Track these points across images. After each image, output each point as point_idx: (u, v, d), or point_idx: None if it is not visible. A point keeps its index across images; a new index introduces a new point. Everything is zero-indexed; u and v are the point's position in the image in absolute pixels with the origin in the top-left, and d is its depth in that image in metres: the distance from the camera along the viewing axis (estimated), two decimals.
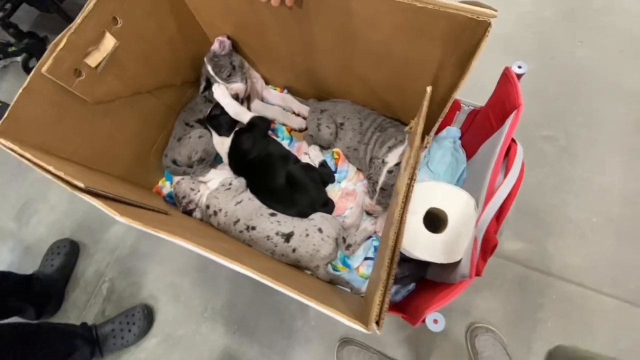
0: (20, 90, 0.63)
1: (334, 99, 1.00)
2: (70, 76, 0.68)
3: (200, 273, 1.22)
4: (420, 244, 0.56)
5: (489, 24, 0.52)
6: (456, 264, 0.54)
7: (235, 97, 0.95)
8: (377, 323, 0.40)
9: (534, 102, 1.26)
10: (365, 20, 0.64)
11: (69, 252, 1.30)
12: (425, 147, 0.46)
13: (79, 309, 1.26)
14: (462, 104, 0.78)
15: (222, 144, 0.96)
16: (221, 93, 0.94)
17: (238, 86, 0.95)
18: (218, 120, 0.95)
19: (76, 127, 0.74)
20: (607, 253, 1.11)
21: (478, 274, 0.47)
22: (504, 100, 0.60)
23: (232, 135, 0.96)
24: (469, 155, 0.79)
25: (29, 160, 0.57)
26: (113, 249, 1.32)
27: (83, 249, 1.34)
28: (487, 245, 0.47)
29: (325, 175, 0.95)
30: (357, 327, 0.40)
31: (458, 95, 0.57)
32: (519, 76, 0.58)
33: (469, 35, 0.55)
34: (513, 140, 0.52)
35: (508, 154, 0.52)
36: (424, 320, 0.45)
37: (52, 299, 1.25)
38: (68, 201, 1.39)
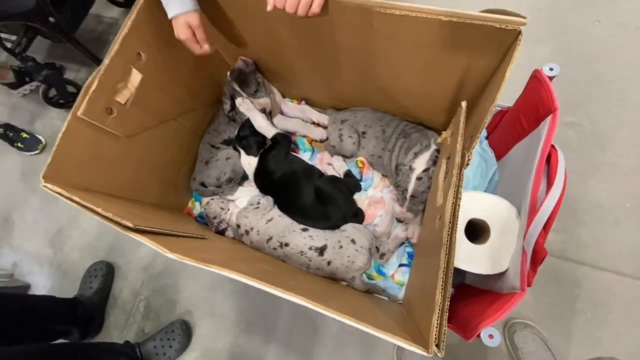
0: (60, 135, 0.65)
1: (353, 108, 1.00)
2: (104, 115, 0.71)
3: (232, 285, 1.25)
4: (464, 256, 0.57)
5: (519, 32, 0.51)
6: (502, 273, 0.55)
7: (263, 111, 0.97)
8: (437, 346, 0.40)
9: (560, 82, 1.23)
10: (387, 37, 0.63)
11: (106, 273, 1.35)
12: (467, 164, 0.46)
13: (120, 328, 1.30)
14: (493, 107, 0.77)
15: (249, 164, 0.98)
16: (247, 107, 0.95)
17: (265, 100, 0.98)
18: (248, 140, 0.96)
19: (111, 161, 0.77)
20: (626, 238, 1.09)
21: (529, 285, 0.48)
22: (536, 103, 0.59)
23: (258, 157, 0.97)
24: (497, 156, 0.79)
25: (77, 203, 0.60)
26: (146, 267, 1.35)
27: (117, 269, 1.38)
28: (537, 257, 0.47)
29: (352, 185, 0.96)
30: (418, 351, 0.41)
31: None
32: (550, 78, 0.57)
33: (498, 43, 0.55)
34: (552, 147, 0.52)
35: (549, 160, 0.51)
36: (478, 335, 0.46)
37: (94, 320, 1.29)
38: (98, 225, 1.43)
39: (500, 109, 0.76)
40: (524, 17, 0.51)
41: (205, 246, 0.72)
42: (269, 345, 1.16)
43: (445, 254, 0.43)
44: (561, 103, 1.23)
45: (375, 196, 0.96)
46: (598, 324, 1.02)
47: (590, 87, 1.25)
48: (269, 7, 0.61)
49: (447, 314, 0.40)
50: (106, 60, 0.68)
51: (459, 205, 0.44)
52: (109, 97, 0.71)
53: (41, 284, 1.43)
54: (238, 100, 0.96)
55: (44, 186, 0.62)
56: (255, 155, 0.96)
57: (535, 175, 0.51)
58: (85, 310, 1.25)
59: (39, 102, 1.62)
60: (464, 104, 0.51)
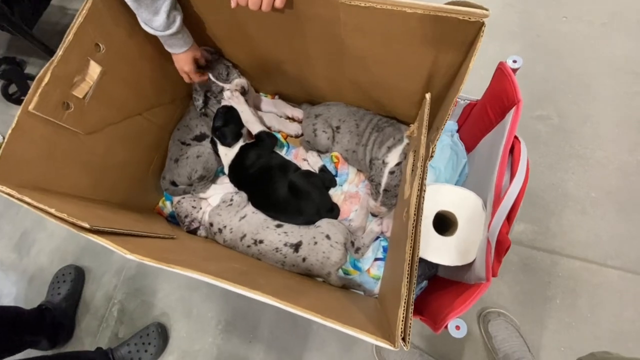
0: (10, 131, 0.61)
1: (327, 102, 0.99)
2: (59, 110, 0.67)
3: (209, 285, 1.22)
4: (433, 248, 0.57)
5: (482, 24, 0.51)
6: (470, 264, 0.55)
7: (242, 91, 0.93)
8: (404, 339, 0.40)
9: (522, 83, 1.23)
10: (354, 30, 0.62)
11: (75, 278, 1.29)
12: (431, 156, 0.46)
13: (92, 334, 1.25)
14: (457, 98, 0.77)
15: (225, 155, 0.95)
16: (237, 100, 0.93)
17: (241, 80, 0.95)
18: (221, 131, 0.93)
19: (70, 160, 0.73)
20: (608, 226, 1.13)
21: (494, 275, 0.48)
22: (502, 95, 0.59)
23: (237, 149, 0.94)
24: (468, 149, 0.80)
25: (29, 204, 0.56)
26: (119, 270, 1.30)
27: (89, 273, 1.33)
28: (501, 247, 0.48)
29: (327, 180, 0.95)
30: (385, 345, 0.40)
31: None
32: (514, 71, 0.58)
33: (462, 35, 0.55)
34: (516, 138, 0.52)
35: (512, 151, 0.52)
36: (446, 327, 0.46)
37: (63, 327, 1.24)
38: (65, 228, 1.37)
39: (469, 101, 0.76)
40: (487, 10, 0.51)
41: (174, 246, 0.69)
42: (249, 345, 1.14)
43: (410, 247, 0.42)
44: (531, 97, 1.26)
45: (351, 191, 0.96)
46: (567, 309, 1.05)
47: (559, 82, 1.29)
48: (233, 4, 0.60)
49: (413, 306, 0.40)
50: (59, 52, 0.64)
51: (423, 197, 0.43)
52: (65, 91, 0.67)
53: (6, 291, 1.35)
54: (227, 94, 0.93)
55: None
56: (230, 146, 0.93)
57: (499, 166, 0.51)
58: (53, 317, 1.19)
59: None
60: (428, 96, 0.50)
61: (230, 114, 0.94)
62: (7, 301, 1.18)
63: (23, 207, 0.55)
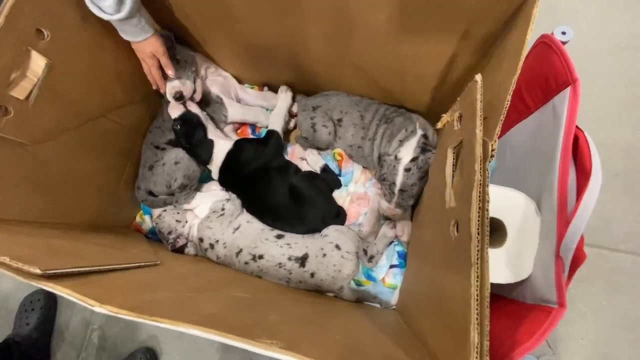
0: None
1: (325, 92, 0.87)
2: None
3: None
4: None
5: None
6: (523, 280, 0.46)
7: (178, 96, 0.77)
8: None
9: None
10: (366, 1, 0.50)
11: (45, 304, 1.14)
12: (492, 155, 0.36)
13: None
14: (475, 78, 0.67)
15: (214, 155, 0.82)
16: (176, 109, 0.79)
17: (178, 84, 0.77)
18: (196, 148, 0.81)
19: (15, 178, 0.58)
20: (617, 209, 1.09)
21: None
22: (547, 75, 0.50)
23: (229, 146, 0.82)
24: None
25: None
26: None
27: (61, 297, 1.17)
28: (576, 264, 0.39)
29: (331, 182, 0.84)
30: None
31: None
32: (563, 44, 0.48)
33: (506, 4, 0.44)
34: (577, 127, 0.43)
35: (574, 145, 0.42)
36: None
37: None
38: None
39: None
40: None
41: (158, 278, 0.57)
42: None
43: (477, 278, 0.32)
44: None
45: (358, 192, 0.85)
46: (582, 298, 1.01)
47: None
48: None
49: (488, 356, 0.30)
50: None
51: (487, 210, 0.33)
52: (0, 92, 0.52)
53: None
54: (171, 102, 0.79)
55: None
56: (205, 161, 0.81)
57: (561, 163, 0.42)
58: (22, 352, 1.04)
59: None
60: (478, 77, 0.40)
61: (188, 126, 0.80)
62: None
63: None
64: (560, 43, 0.48)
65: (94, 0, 0.56)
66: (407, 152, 0.73)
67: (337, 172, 0.87)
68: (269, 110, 0.95)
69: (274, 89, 0.96)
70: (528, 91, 0.56)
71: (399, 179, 0.72)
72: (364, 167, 0.88)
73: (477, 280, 0.33)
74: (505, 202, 0.48)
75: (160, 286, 0.52)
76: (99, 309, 0.38)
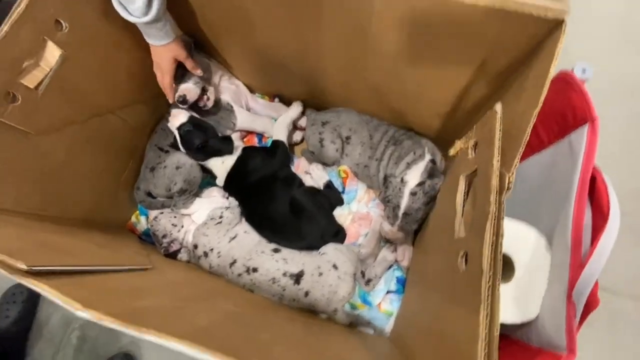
0: None
1: (335, 109, 0.87)
2: (1, 102, 0.51)
3: None
4: None
5: (562, 22, 0.40)
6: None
7: (182, 100, 0.76)
8: None
9: None
10: (390, 22, 0.50)
11: (27, 298, 1.10)
12: (509, 188, 0.35)
13: None
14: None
15: (222, 163, 0.81)
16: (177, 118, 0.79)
17: (188, 87, 0.76)
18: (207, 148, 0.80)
19: (14, 166, 0.56)
20: (623, 251, 1.06)
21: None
22: (564, 110, 0.49)
23: (239, 152, 0.81)
24: None
25: None
26: None
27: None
28: (588, 309, 0.37)
29: (333, 198, 0.82)
30: None
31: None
32: (582, 82, 0.48)
33: (529, 36, 0.44)
34: (595, 169, 0.42)
35: (591, 184, 0.41)
36: None
37: (11, 357, 1.05)
38: None
39: None
40: (567, 4, 0.41)
41: (148, 284, 0.54)
42: None
43: (487, 316, 0.30)
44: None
45: (360, 211, 0.83)
46: (581, 339, 0.98)
47: None
48: None
49: None
50: (4, 27, 0.49)
51: (501, 244, 0.32)
52: (10, 79, 0.51)
53: None
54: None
55: None
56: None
57: (576, 202, 0.40)
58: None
59: None
60: (498, 108, 0.39)
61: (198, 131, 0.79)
62: None
63: None
64: (580, 80, 0.47)
65: (122, 2, 0.56)
66: (414, 176, 0.72)
67: (340, 189, 0.85)
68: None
69: (284, 101, 0.96)
70: (543, 125, 0.55)
71: (404, 202, 0.71)
72: (368, 186, 0.87)
73: (486, 319, 0.31)
74: (514, 236, 0.46)
75: (150, 292, 0.50)
76: (83, 313, 0.36)
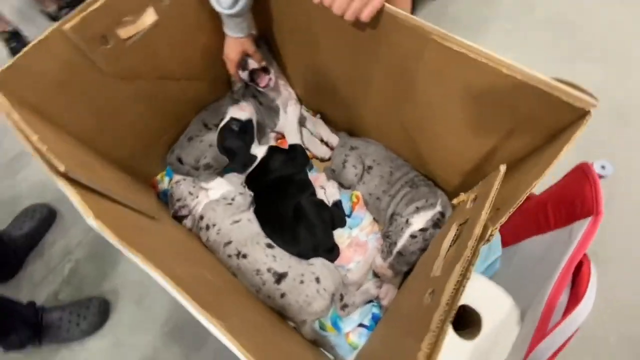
0: (35, 42, 0.55)
1: (367, 138, 0.92)
2: (95, 42, 0.61)
3: None
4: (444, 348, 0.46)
5: (587, 113, 0.43)
6: None
7: (244, 63, 0.83)
8: None
9: None
10: (434, 71, 0.56)
11: (43, 218, 1.20)
12: (489, 240, 0.37)
13: (34, 283, 1.14)
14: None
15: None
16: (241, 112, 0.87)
17: (252, 61, 0.84)
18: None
19: (84, 96, 0.66)
20: None
21: None
22: (575, 199, 0.50)
23: (264, 150, 0.88)
24: (505, 242, 0.69)
25: (15, 122, 0.48)
26: (90, 227, 1.21)
27: (60, 218, 1.24)
28: None
29: (337, 217, 0.85)
30: None
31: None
32: (600, 178, 0.49)
33: (555, 119, 0.47)
34: (585, 256, 0.43)
35: (577, 271, 0.42)
36: None
37: (8, 265, 1.13)
38: None
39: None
40: (596, 99, 0.43)
41: (150, 228, 0.60)
42: None
43: (430, 346, 0.32)
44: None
45: (359, 239, 0.85)
46: None
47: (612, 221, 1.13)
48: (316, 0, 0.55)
49: None
50: None
51: (464, 286, 0.33)
52: (109, 25, 0.61)
53: None
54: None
55: None
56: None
57: (558, 281, 0.41)
58: (2, 250, 1.09)
59: None
60: (502, 168, 0.42)
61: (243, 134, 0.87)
62: None
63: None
64: (597, 175, 0.49)
65: None
66: (419, 221, 0.74)
67: (348, 212, 0.88)
68: (313, 134, 1.01)
69: (325, 119, 1.03)
70: (553, 209, 0.56)
71: (401, 242, 0.72)
72: (374, 218, 0.89)
73: (428, 349, 0.32)
74: (491, 299, 0.47)
75: (150, 234, 0.55)
76: (92, 221, 0.41)
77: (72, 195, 0.43)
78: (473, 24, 1.63)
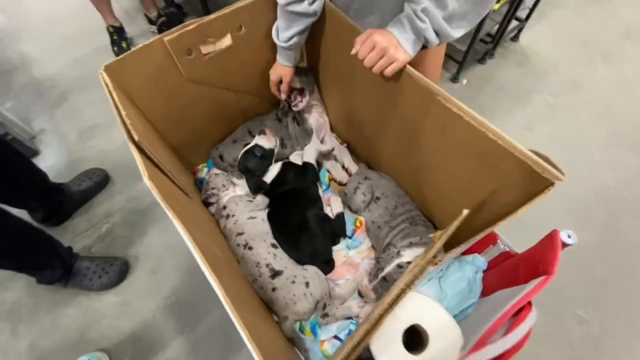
0: (141, 46, 0.74)
1: (381, 173, 1.02)
2: (182, 52, 0.79)
3: (187, 261, 1.23)
4: (390, 355, 0.52)
5: (551, 184, 0.51)
6: None
7: (296, 104, 0.99)
8: None
9: (579, 276, 1.17)
10: (437, 125, 0.67)
11: (99, 182, 1.40)
12: (436, 264, 0.45)
13: (75, 233, 1.32)
14: (499, 241, 0.75)
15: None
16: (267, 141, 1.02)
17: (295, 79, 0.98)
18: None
19: (165, 90, 0.84)
20: None
21: None
22: (539, 261, 0.56)
23: (279, 165, 1.01)
24: (485, 293, 0.74)
25: (112, 97, 0.66)
26: (133, 198, 1.39)
27: (111, 184, 1.43)
28: None
29: (337, 228, 0.95)
30: None
31: (499, 231, 0.55)
32: (564, 245, 0.55)
33: (529, 184, 0.55)
34: (529, 304, 0.49)
35: (519, 314, 0.48)
36: None
37: (62, 212, 1.32)
38: (124, 141, 1.52)
39: (508, 250, 0.73)
40: (563, 174, 0.51)
41: (184, 201, 0.74)
42: (179, 336, 1.11)
43: (366, 331, 0.40)
44: (580, 294, 1.15)
45: (354, 259, 0.94)
46: None
47: (618, 294, 1.16)
48: (353, 51, 0.68)
49: None
50: (212, 16, 0.78)
51: (404, 294, 0.42)
52: (196, 43, 0.80)
53: (47, 157, 1.52)
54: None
55: (101, 73, 0.69)
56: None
57: (497, 319, 0.47)
58: (60, 200, 1.29)
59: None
60: (465, 211, 0.50)
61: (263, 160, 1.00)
62: (43, 165, 1.30)
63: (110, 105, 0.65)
64: (561, 242, 0.55)
65: (279, 30, 0.83)
66: (409, 254, 0.81)
67: (349, 234, 0.97)
68: (337, 160, 1.13)
69: (350, 149, 1.15)
70: (524, 267, 0.62)
71: (388, 269, 0.80)
72: (373, 245, 0.97)
73: (365, 332, 0.40)
74: (443, 326, 0.53)
75: (182, 205, 0.69)
76: (146, 180, 0.55)
77: (138, 158, 0.58)
78: (517, 92, 1.71)
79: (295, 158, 1.04)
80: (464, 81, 1.77)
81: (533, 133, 1.56)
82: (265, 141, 1.00)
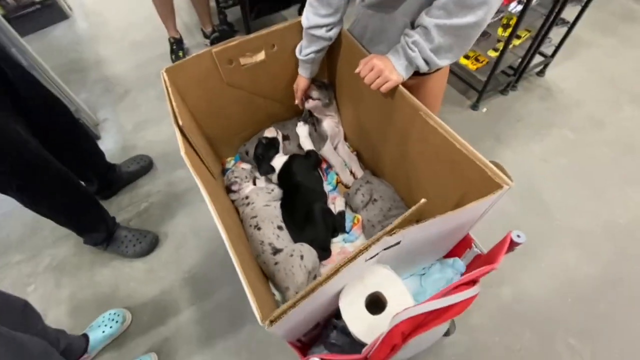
0: (195, 54, 0.95)
1: (382, 179, 1.15)
2: (225, 62, 0.99)
3: (209, 243, 1.39)
4: (353, 311, 0.64)
5: (500, 187, 0.62)
6: None
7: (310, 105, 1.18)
8: (272, 322, 0.50)
9: (578, 307, 1.19)
10: (421, 135, 0.79)
11: (145, 166, 1.63)
12: (391, 234, 0.56)
13: (118, 207, 1.54)
14: (473, 244, 0.84)
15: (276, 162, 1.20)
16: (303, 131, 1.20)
17: (312, 86, 1.15)
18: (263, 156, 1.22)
19: (207, 91, 1.04)
20: None
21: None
22: (494, 258, 0.66)
23: (286, 158, 1.18)
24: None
25: (167, 92, 0.86)
26: (170, 184, 1.60)
27: (154, 170, 1.66)
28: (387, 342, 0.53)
29: (338, 223, 1.08)
30: (256, 314, 0.51)
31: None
32: (513, 243, 0.65)
33: (487, 189, 0.66)
34: (474, 282, 0.58)
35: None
36: None
37: (110, 189, 1.56)
38: (169, 135, 1.76)
39: (480, 253, 0.82)
40: (511, 182, 0.62)
41: (210, 181, 0.91)
42: (190, 307, 1.25)
43: (326, 276, 0.53)
44: (575, 323, 1.16)
45: (348, 250, 1.06)
46: None
47: (614, 331, 1.15)
48: (357, 70, 0.84)
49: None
50: (252, 35, 0.97)
51: (361, 254, 0.54)
52: (236, 55, 0.99)
53: (106, 141, 1.79)
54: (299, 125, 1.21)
55: (162, 72, 0.90)
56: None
57: (442, 291, 0.58)
58: (113, 177, 1.53)
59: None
60: (422, 200, 0.62)
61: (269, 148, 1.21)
62: (102, 148, 1.54)
63: (165, 102, 0.83)
64: (510, 241, 0.65)
65: (302, 48, 1.00)
66: None
67: (348, 229, 1.10)
68: (347, 165, 1.27)
69: (359, 156, 1.29)
70: (483, 262, 0.71)
71: None
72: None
73: (336, 269, 0.53)
74: (401, 297, 0.64)
75: (210, 183, 0.86)
76: (183, 154, 0.72)
77: (179, 138, 0.76)
78: (536, 125, 1.73)
79: (270, 132, 1.24)
80: (484, 109, 1.81)
81: (548, 164, 1.56)
82: (269, 133, 1.22)
